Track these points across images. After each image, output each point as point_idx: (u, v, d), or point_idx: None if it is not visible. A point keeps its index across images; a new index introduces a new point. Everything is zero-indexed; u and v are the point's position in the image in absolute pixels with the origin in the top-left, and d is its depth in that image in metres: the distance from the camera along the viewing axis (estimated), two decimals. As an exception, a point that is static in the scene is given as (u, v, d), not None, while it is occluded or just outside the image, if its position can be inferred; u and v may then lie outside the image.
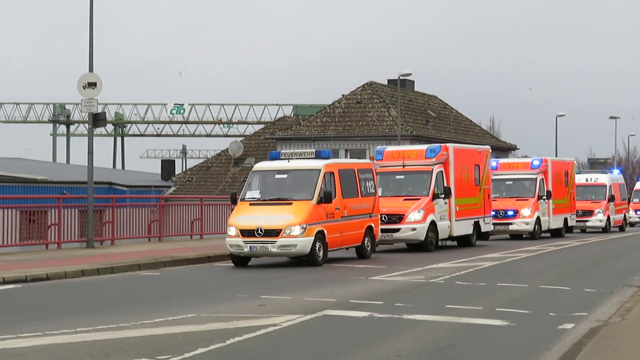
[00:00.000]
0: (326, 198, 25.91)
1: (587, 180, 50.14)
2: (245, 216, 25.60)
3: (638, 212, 62.08)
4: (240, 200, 26.58)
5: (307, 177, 26.34)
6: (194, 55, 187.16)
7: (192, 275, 23.69)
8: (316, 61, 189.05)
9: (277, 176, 26.88)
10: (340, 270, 24.63)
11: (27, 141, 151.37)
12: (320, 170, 26.34)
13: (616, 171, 57.55)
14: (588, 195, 48.97)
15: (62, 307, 17.05)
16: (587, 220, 48.66)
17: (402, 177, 33.31)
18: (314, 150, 28.04)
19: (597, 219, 49.13)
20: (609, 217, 49.76)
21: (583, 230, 49.69)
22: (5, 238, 28.93)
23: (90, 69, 30.60)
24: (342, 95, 62.56)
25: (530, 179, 42.00)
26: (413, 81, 67.23)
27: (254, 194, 26.50)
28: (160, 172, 73.84)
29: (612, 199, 50.17)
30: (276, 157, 27.63)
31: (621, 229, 52.51)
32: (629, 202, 59.75)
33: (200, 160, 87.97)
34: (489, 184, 37.15)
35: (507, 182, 41.74)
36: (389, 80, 64.30)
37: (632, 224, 60.39)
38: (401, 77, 54.28)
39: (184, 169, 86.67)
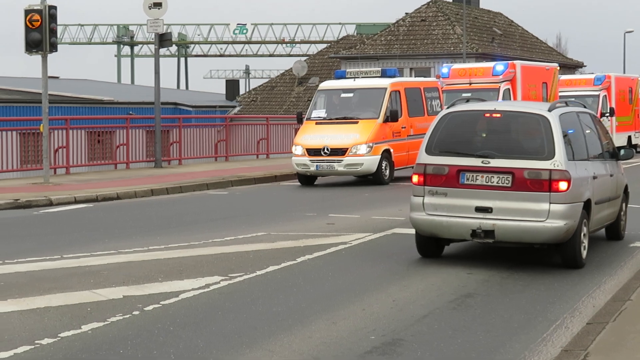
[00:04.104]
0: (392, 117, 25.81)
1: None
2: (312, 135, 25.59)
3: None
4: (307, 119, 26.54)
5: (374, 95, 26.22)
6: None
7: (260, 194, 23.83)
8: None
9: (343, 95, 26.77)
10: (407, 189, 24.36)
11: (91, 62, 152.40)
12: (386, 88, 26.19)
13: None
14: None
15: (134, 226, 17.25)
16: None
17: (469, 94, 32.89)
18: (380, 68, 27.83)
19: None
20: None
21: None
22: (75, 158, 29.29)
23: (155, -11, 30.60)
24: (406, 13, 61.92)
25: (592, 95, 40.05)
26: (478, -2, 66.37)
27: (320, 113, 26.44)
28: (224, 92, 74.07)
29: None
30: (342, 76, 27.48)
31: None
32: None
33: (263, 80, 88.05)
34: (556, 102, 36.58)
35: (569, 100, 39.77)
36: (453, -2, 63.51)
37: None
38: (466, -6, 53.50)
39: (247, 89, 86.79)
